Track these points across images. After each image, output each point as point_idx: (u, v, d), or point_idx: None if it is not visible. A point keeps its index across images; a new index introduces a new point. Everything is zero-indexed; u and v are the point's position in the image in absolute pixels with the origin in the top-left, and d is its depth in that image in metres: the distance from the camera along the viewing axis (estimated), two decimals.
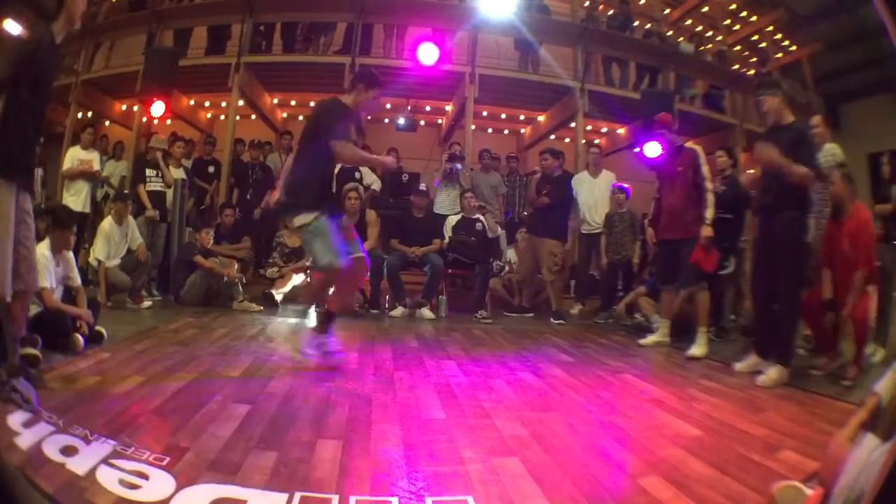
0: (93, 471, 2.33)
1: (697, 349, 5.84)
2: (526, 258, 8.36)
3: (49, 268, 4.62)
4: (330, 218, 4.53)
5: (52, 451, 2.48)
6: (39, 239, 4.58)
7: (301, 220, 4.47)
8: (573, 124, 11.38)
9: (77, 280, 4.99)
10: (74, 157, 8.44)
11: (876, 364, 5.39)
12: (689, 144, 6.36)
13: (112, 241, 7.17)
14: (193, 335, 5.60)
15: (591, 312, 8.57)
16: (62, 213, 5.19)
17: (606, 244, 8.46)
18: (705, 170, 6.10)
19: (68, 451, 2.48)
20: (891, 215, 6.03)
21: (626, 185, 8.50)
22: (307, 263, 8.16)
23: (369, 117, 12.03)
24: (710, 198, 5.97)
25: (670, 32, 13.17)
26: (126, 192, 8.54)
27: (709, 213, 5.92)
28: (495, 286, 8.59)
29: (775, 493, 2.24)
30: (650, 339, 6.41)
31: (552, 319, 7.89)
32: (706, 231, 5.87)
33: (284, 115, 12.81)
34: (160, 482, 2.31)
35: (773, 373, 4.69)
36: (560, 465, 2.74)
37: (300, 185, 4.59)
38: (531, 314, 8.44)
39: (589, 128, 12.16)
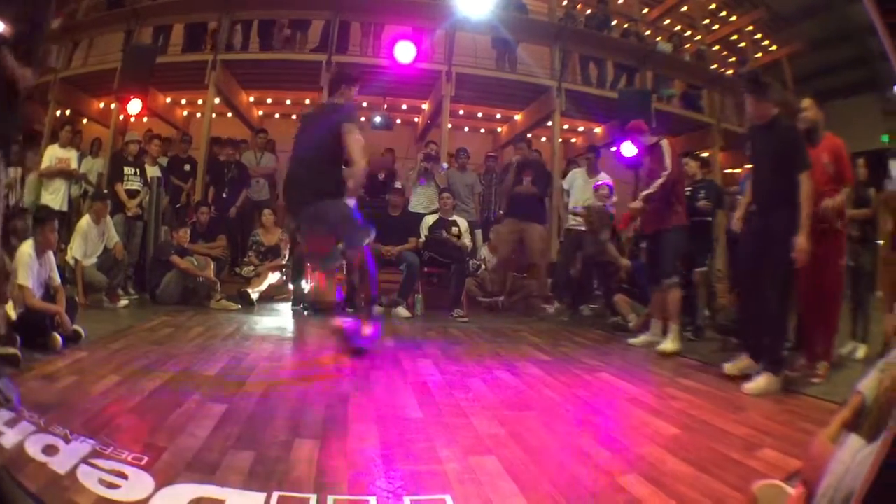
0: (73, 470, 2.39)
1: (669, 345, 5.92)
2: (508, 242, 8.47)
3: (33, 267, 4.75)
4: None
5: (34, 450, 2.54)
6: (24, 238, 4.80)
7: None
8: (550, 123, 11.53)
9: (57, 279, 5.10)
10: (53, 155, 8.53)
11: (857, 361, 5.59)
12: (659, 141, 6.42)
13: (89, 240, 7.28)
14: (170, 334, 5.67)
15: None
16: (42, 210, 5.32)
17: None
18: (668, 160, 6.16)
19: (49, 450, 2.54)
20: (869, 219, 6.22)
21: (609, 182, 8.57)
22: (282, 262, 8.40)
23: None
24: (657, 183, 6.09)
25: (648, 32, 13.37)
26: (105, 191, 8.61)
27: (646, 191, 6.15)
28: (468, 285, 8.64)
29: (756, 491, 2.25)
30: (641, 338, 6.41)
31: (544, 304, 8.31)
32: (635, 204, 6.22)
33: (260, 112, 12.92)
34: (139, 482, 2.36)
35: (760, 381, 4.58)
36: (538, 464, 2.79)
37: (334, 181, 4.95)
38: (501, 298, 8.82)
39: (566, 126, 12.41)
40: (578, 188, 8.92)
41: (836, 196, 5.00)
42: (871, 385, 2.22)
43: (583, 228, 8.46)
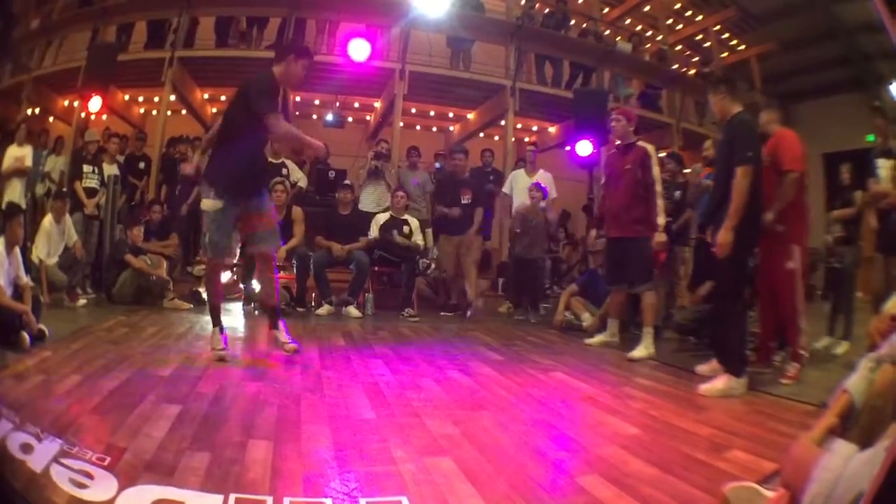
0: (47, 469, 2.50)
1: (643, 350, 6.08)
2: (449, 259, 8.88)
3: (3, 265, 5.12)
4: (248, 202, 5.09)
5: (14, 448, 2.60)
6: None
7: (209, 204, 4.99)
8: (503, 122, 12.06)
9: (24, 277, 5.44)
10: (11, 154, 8.92)
11: (834, 357, 5.94)
12: (641, 143, 6.45)
13: (52, 240, 7.62)
14: (125, 334, 5.95)
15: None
16: (9, 206, 5.83)
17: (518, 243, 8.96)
18: (656, 171, 6.22)
19: (26, 448, 2.61)
20: (852, 219, 6.64)
21: (544, 185, 9.00)
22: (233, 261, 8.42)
23: (297, 98, 12.36)
24: (661, 203, 6.14)
25: (607, 32, 13.79)
26: (63, 189, 9.02)
27: (661, 220, 6.11)
28: (419, 285, 9.03)
29: (728, 493, 2.29)
30: (598, 338, 6.67)
31: (467, 314, 8.61)
32: (660, 237, 6.08)
33: (214, 110, 13.17)
34: (104, 482, 2.47)
35: (718, 383, 4.65)
36: (494, 464, 2.91)
37: (224, 167, 5.01)
38: (470, 309, 8.84)
39: (519, 126, 12.87)
40: (521, 188, 9.32)
41: (781, 190, 5.10)
42: (859, 386, 2.32)
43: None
